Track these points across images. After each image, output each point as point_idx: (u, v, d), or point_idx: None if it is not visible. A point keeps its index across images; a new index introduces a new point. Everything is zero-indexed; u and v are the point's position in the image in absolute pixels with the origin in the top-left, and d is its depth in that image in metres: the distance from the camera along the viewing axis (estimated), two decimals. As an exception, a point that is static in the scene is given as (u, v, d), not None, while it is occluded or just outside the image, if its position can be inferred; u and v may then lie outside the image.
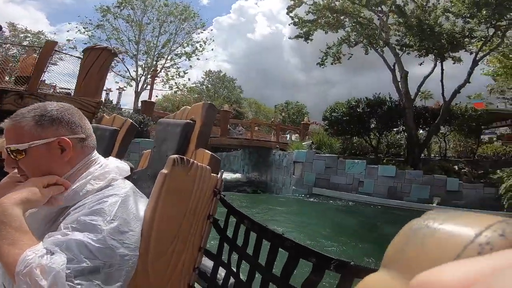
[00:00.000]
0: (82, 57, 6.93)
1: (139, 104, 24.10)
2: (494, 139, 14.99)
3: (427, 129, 11.91)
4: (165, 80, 25.95)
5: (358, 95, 11.33)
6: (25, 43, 18.62)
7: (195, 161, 0.89)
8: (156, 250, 0.79)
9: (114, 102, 21.03)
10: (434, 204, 8.76)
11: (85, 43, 21.91)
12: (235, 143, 15.26)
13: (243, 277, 0.91)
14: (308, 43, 14.41)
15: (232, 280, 0.95)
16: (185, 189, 0.86)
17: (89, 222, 0.65)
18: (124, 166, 0.84)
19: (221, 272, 1.00)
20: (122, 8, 22.24)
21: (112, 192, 0.73)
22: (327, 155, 10.24)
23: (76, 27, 21.98)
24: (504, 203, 8.40)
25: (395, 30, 12.61)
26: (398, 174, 9.47)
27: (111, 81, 24.83)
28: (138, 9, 23.19)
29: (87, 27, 21.96)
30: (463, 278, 0.15)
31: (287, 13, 13.66)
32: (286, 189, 11.33)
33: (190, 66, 26.23)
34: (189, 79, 26.48)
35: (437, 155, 13.25)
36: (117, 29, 22.79)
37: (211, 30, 27.29)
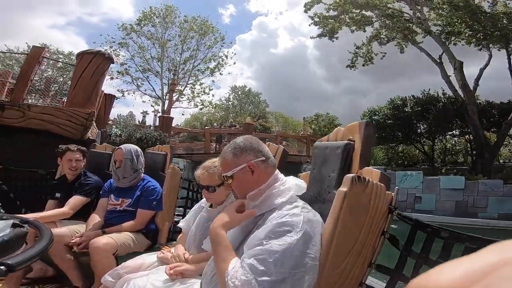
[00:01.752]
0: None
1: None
2: None
3: (492, 129, 9.68)
4: (190, 97, 25.75)
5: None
6: (58, 65, 18.86)
7: (370, 179, 0.90)
8: (333, 262, 0.85)
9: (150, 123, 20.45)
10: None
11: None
12: (260, 159, 13.83)
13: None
14: (333, 41, 13.01)
15: None
16: (362, 206, 0.89)
17: (282, 231, 0.80)
18: (301, 184, 1.00)
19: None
20: (142, 25, 22.53)
21: (295, 209, 0.87)
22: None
23: (100, 46, 22.51)
24: None
25: (437, 16, 10.66)
26: (468, 186, 7.41)
27: (139, 101, 25.09)
28: (160, 27, 23.44)
29: (112, 46, 22.35)
30: (461, 279, 0.14)
31: (305, 11, 12.47)
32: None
33: (213, 81, 25.77)
34: (213, 95, 25.98)
35: (508, 160, 10.81)
36: (142, 47, 23.01)
37: (230, 43, 26.79)
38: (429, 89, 8.82)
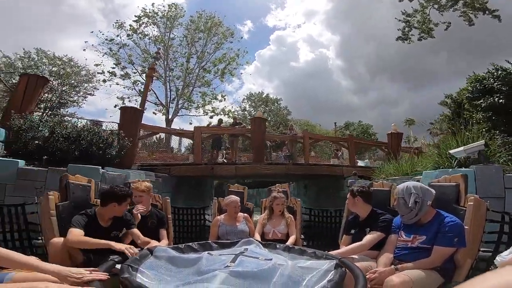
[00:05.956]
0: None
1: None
2: None
3: None
4: (200, 104, 22.41)
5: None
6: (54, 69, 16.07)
7: None
8: None
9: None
10: None
11: (113, 67, 19.90)
12: (278, 172, 8.59)
13: None
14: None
15: None
16: None
17: None
18: None
19: None
20: (140, 23, 19.78)
21: None
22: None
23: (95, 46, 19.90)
24: None
25: None
26: None
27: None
28: (163, 27, 20.61)
29: (112, 48, 19.67)
30: None
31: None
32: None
33: (221, 81, 22.47)
34: (225, 99, 22.52)
35: None
36: (145, 50, 20.19)
37: (241, 38, 23.52)
38: None
